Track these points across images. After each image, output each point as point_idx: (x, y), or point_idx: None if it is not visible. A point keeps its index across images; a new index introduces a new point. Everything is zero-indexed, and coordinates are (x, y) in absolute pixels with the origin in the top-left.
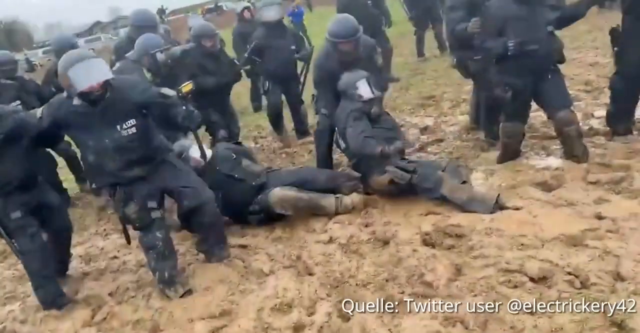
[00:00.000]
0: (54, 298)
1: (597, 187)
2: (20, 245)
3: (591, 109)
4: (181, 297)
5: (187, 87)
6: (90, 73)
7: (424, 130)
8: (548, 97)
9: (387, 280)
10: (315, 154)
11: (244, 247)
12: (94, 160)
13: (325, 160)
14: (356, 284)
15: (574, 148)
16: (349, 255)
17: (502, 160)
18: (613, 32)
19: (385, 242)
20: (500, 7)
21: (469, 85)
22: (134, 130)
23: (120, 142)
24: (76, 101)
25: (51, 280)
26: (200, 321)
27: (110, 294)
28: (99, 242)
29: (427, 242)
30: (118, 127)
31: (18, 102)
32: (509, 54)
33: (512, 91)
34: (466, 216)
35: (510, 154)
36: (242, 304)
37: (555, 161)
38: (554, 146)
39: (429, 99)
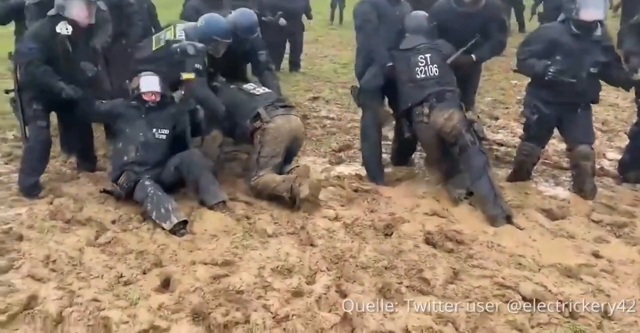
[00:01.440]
0: (31, 187)
1: (599, 227)
2: (31, 130)
3: (604, 149)
4: (180, 232)
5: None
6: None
7: None
8: (573, 130)
9: (386, 268)
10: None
11: (249, 204)
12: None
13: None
14: (356, 265)
15: (584, 184)
16: (352, 236)
17: (512, 179)
18: (638, 84)
19: (388, 233)
20: (555, 32)
21: (488, 97)
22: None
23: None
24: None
25: (38, 174)
26: (203, 265)
27: (113, 221)
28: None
29: (429, 241)
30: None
31: None
32: (545, 78)
33: (539, 116)
34: (470, 225)
35: (522, 174)
36: (245, 258)
37: (562, 192)
38: (563, 177)
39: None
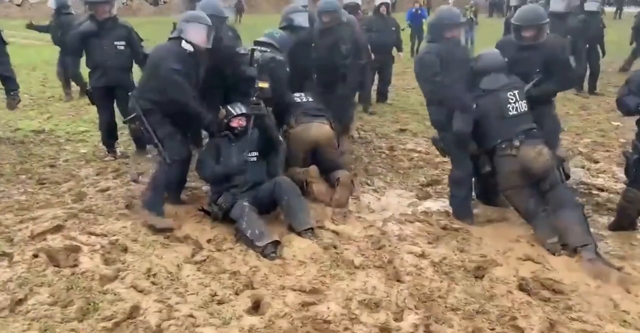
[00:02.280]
0: (161, 209)
1: None
2: (170, 147)
3: None
4: (270, 255)
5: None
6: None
7: None
8: None
9: (477, 312)
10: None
11: (336, 233)
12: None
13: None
14: (445, 306)
15: None
16: (440, 275)
17: (615, 227)
18: None
19: (479, 275)
20: None
21: (587, 138)
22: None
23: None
24: None
25: (179, 189)
26: (292, 291)
27: (208, 240)
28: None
29: (523, 288)
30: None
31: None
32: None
33: (638, 157)
34: (569, 274)
35: (626, 222)
36: (333, 288)
37: None
38: None
39: None
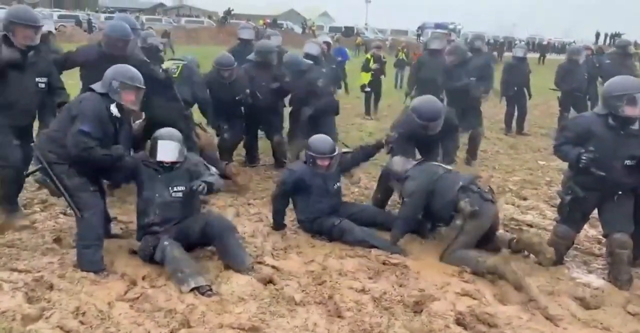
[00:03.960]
0: (97, 263)
1: (636, 320)
2: (82, 200)
3: None
4: (207, 292)
5: None
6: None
7: None
8: (610, 216)
9: None
10: None
11: (276, 269)
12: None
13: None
14: None
15: (620, 273)
16: (380, 310)
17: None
18: None
19: (418, 310)
20: (592, 122)
21: (517, 176)
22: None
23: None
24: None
25: (101, 243)
26: (231, 329)
27: (143, 277)
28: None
29: (460, 322)
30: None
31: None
32: (579, 166)
33: (573, 198)
34: (505, 310)
35: (555, 257)
36: (272, 325)
37: (596, 280)
38: (595, 264)
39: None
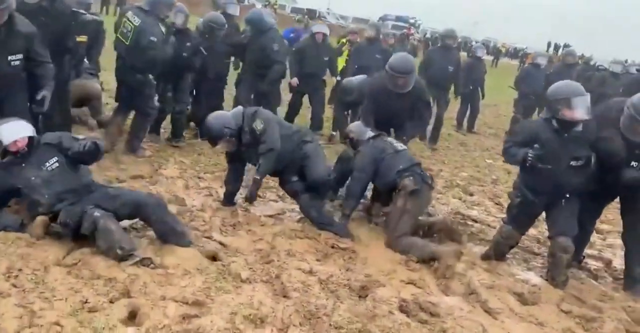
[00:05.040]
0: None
1: (569, 317)
2: None
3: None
4: (150, 265)
5: None
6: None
7: None
8: (554, 219)
9: (359, 331)
10: None
11: (223, 245)
12: None
13: None
14: (330, 324)
15: (558, 274)
16: (326, 293)
17: (486, 257)
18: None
19: (363, 295)
20: (538, 126)
21: (465, 172)
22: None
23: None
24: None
25: None
26: (173, 302)
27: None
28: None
29: (403, 309)
30: None
31: None
32: (526, 164)
33: (522, 200)
34: (447, 300)
35: (497, 255)
36: (217, 301)
37: (534, 277)
38: (534, 262)
39: (424, 171)
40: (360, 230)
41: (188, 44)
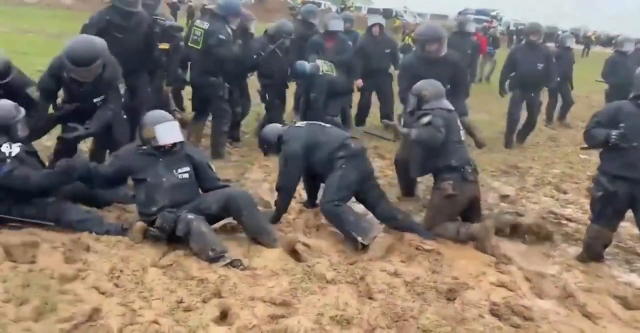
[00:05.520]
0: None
1: None
2: None
3: None
4: (239, 266)
5: None
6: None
7: (504, 198)
8: None
9: None
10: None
11: (307, 246)
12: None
13: None
14: (417, 327)
15: None
16: (412, 295)
17: (582, 259)
18: None
19: (451, 297)
20: (623, 105)
21: (556, 169)
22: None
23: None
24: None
25: None
26: (262, 303)
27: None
28: None
29: (494, 313)
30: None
31: None
32: (609, 144)
33: (603, 193)
34: (542, 304)
35: (592, 256)
36: (303, 302)
37: (638, 279)
38: (638, 263)
39: (512, 168)
40: None
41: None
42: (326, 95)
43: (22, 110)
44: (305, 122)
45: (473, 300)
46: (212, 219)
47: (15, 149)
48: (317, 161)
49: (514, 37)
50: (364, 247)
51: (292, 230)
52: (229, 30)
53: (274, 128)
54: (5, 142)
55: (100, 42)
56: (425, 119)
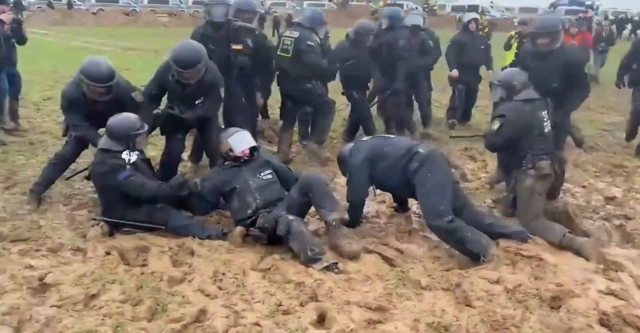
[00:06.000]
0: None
1: None
2: None
3: None
4: (335, 270)
5: None
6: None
7: (610, 200)
8: None
9: None
10: None
11: (400, 251)
12: None
13: None
14: None
15: None
16: (514, 303)
17: None
18: None
19: (555, 305)
20: None
21: None
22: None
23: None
24: None
25: None
26: (358, 307)
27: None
28: None
29: (604, 323)
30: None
31: None
32: None
33: None
34: None
35: None
36: (399, 307)
37: None
38: None
39: (618, 168)
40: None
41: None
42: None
43: (145, 126)
44: (370, 136)
45: (580, 308)
46: (302, 208)
47: (134, 156)
48: (385, 172)
49: (615, 28)
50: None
51: (384, 235)
52: (317, 39)
53: (345, 147)
54: (125, 150)
55: (201, 47)
56: (496, 126)
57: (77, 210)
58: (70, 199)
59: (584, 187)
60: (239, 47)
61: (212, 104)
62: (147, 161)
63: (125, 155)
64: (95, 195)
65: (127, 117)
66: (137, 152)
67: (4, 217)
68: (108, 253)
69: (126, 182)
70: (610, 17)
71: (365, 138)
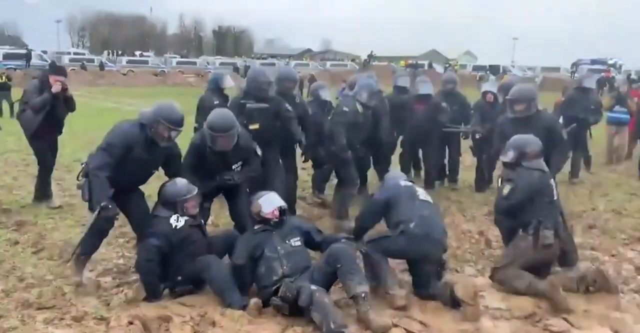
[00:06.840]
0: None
1: None
2: None
3: None
4: None
5: None
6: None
7: None
8: None
9: None
10: None
11: (425, 325)
12: None
13: None
14: None
15: None
16: None
17: None
18: None
19: None
20: None
21: None
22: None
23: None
24: None
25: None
26: None
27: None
28: None
29: None
30: None
31: None
32: None
33: None
34: None
35: None
36: None
37: None
38: None
39: None
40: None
41: None
42: None
43: (195, 190)
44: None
45: None
46: (328, 278)
47: (182, 221)
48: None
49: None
50: None
51: (408, 308)
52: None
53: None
54: (173, 215)
55: (232, 114)
56: (506, 190)
57: (102, 276)
58: (96, 265)
59: (613, 255)
60: (256, 126)
61: (254, 163)
62: (199, 226)
63: (172, 220)
64: (120, 261)
65: (174, 183)
66: (185, 218)
67: (31, 283)
68: (131, 323)
69: (140, 246)
70: (633, 76)
71: (403, 183)
